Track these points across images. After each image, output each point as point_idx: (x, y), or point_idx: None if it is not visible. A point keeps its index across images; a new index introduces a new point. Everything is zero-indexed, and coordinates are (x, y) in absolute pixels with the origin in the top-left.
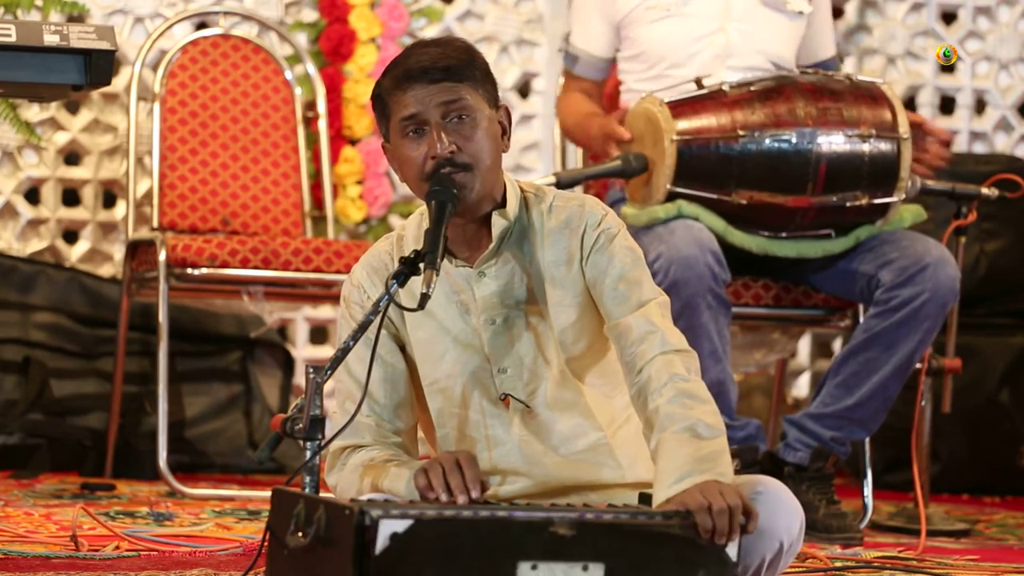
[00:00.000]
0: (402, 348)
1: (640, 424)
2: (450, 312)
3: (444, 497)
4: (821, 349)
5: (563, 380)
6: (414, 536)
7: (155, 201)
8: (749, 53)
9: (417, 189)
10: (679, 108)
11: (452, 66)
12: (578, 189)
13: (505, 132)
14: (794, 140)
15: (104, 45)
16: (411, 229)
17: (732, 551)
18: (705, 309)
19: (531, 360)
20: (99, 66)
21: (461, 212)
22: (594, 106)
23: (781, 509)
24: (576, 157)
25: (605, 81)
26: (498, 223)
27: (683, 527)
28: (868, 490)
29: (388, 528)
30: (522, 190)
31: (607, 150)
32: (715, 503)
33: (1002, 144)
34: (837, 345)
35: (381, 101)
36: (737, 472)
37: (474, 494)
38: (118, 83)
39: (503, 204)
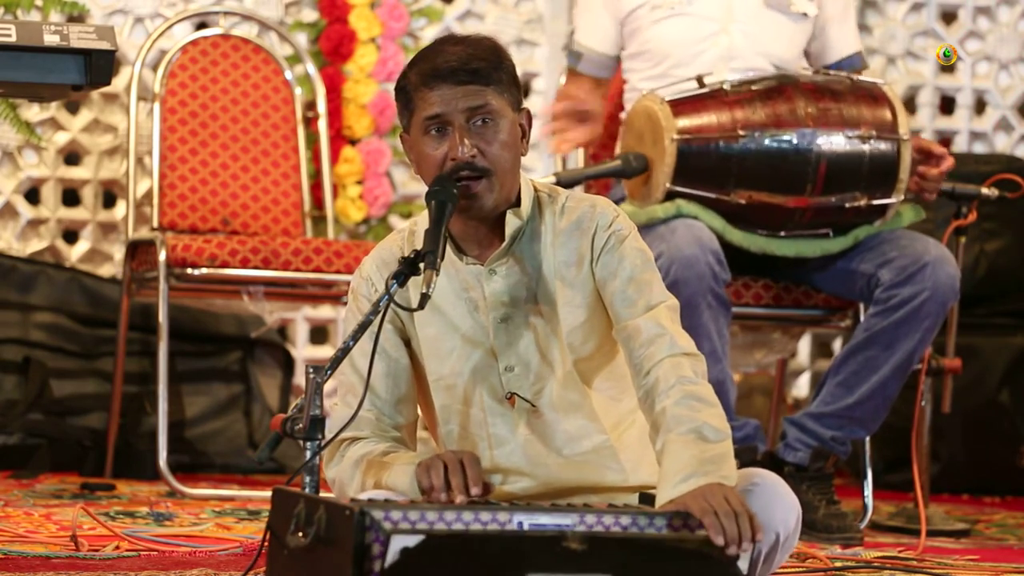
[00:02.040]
0: (407, 343)
1: (644, 427)
2: (459, 309)
3: (444, 496)
4: (821, 349)
5: (569, 381)
6: (425, 550)
7: (155, 201)
8: (751, 55)
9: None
10: (680, 106)
11: (480, 69)
12: (578, 189)
13: (525, 135)
14: (794, 140)
15: (104, 45)
16: (423, 223)
17: (743, 564)
18: (705, 309)
19: (538, 360)
20: (99, 66)
21: (475, 214)
22: (579, 91)
23: (777, 502)
24: (576, 157)
25: (609, 81)
26: (511, 222)
27: (695, 540)
28: (868, 490)
29: (399, 543)
30: (536, 190)
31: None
32: (720, 507)
33: (1002, 144)
34: (837, 345)
35: (405, 94)
36: None
37: (475, 491)
38: (118, 83)
39: (517, 203)
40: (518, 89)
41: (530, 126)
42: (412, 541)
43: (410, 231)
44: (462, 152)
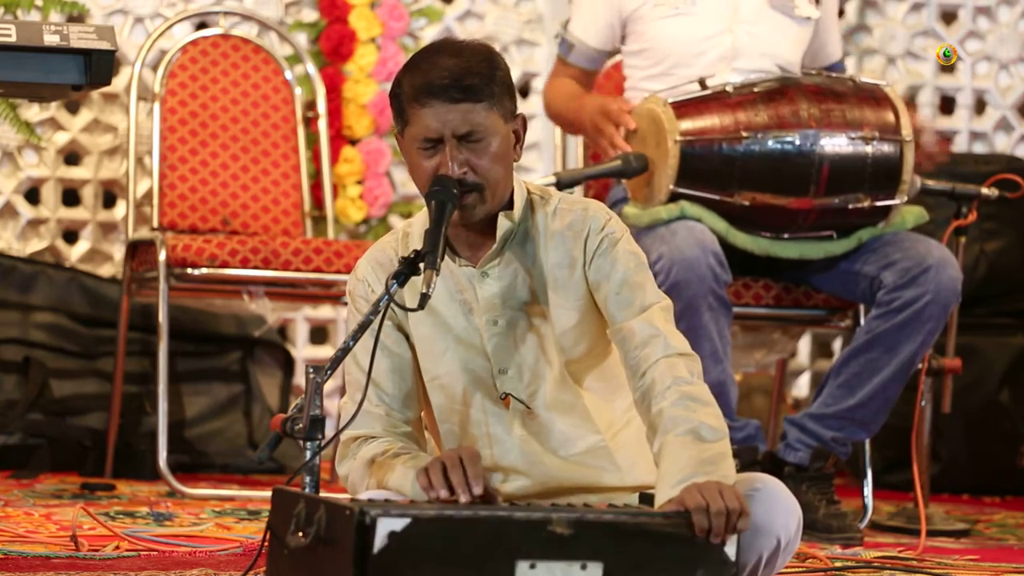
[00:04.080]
0: (407, 337)
1: (640, 427)
2: (452, 310)
3: (444, 494)
4: (821, 349)
5: (562, 382)
6: (412, 535)
7: (155, 201)
8: (755, 56)
9: (424, 192)
10: (683, 109)
11: (473, 85)
12: (578, 189)
13: (519, 140)
14: (797, 142)
15: (104, 45)
16: (417, 225)
17: (731, 550)
18: (706, 310)
19: (532, 362)
20: (99, 66)
21: (464, 222)
22: (584, 91)
23: (778, 506)
24: (576, 157)
25: (596, 73)
26: (502, 224)
27: (681, 526)
28: (868, 490)
29: (386, 527)
30: (529, 192)
31: (601, 127)
32: (713, 504)
33: (1002, 144)
34: (837, 345)
35: (399, 102)
36: (736, 472)
37: (476, 490)
38: (118, 83)
39: (509, 205)
40: (512, 97)
41: (525, 131)
42: (399, 525)
43: (404, 232)
44: (452, 170)
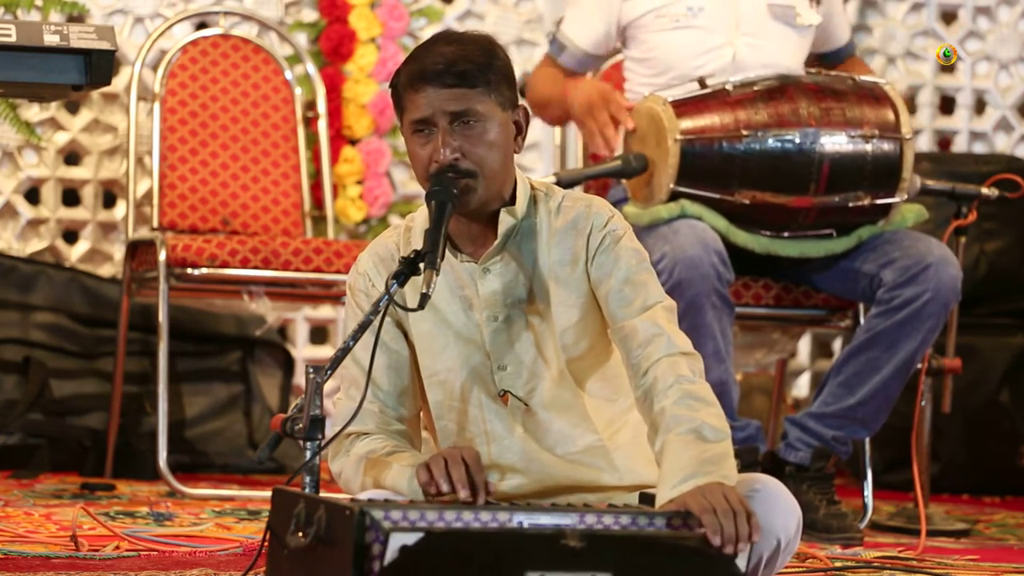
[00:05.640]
0: (406, 334)
1: (638, 427)
2: (453, 306)
3: (445, 487)
4: (821, 349)
5: (561, 381)
6: (424, 548)
7: (155, 201)
8: (756, 67)
9: (423, 184)
10: (683, 107)
11: (467, 71)
12: (578, 189)
13: (520, 132)
14: (797, 140)
15: (104, 45)
16: (419, 220)
17: (741, 562)
18: (709, 309)
19: (531, 359)
20: (99, 66)
21: (466, 212)
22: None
23: (778, 507)
24: (576, 157)
25: (583, 76)
26: (505, 220)
27: (693, 538)
28: (868, 490)
29: (398, 541)
30: (533, 188)
31: (596, 111)
32: (719, 506)
33: (1002, 144)
34: (837, 345)
35: (397, 93)
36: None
37: (480, 500)
38: (118, 83)
39: (512, 201)
40: (511, 87)
41: (527, 123)
42: (411, 539)
43: (406, 227)
44: (444, 155)
